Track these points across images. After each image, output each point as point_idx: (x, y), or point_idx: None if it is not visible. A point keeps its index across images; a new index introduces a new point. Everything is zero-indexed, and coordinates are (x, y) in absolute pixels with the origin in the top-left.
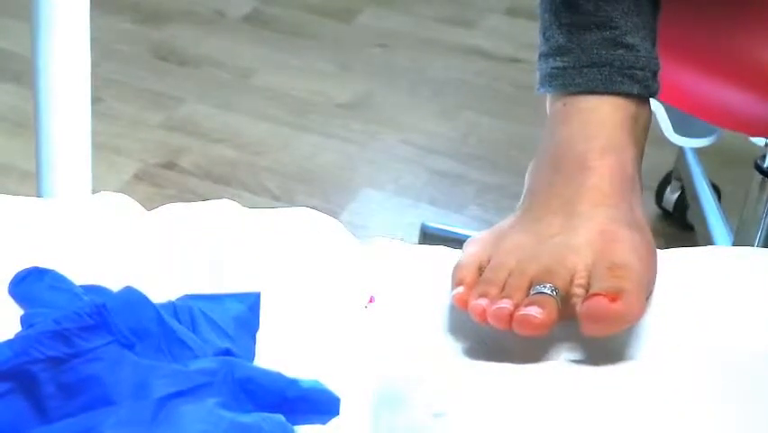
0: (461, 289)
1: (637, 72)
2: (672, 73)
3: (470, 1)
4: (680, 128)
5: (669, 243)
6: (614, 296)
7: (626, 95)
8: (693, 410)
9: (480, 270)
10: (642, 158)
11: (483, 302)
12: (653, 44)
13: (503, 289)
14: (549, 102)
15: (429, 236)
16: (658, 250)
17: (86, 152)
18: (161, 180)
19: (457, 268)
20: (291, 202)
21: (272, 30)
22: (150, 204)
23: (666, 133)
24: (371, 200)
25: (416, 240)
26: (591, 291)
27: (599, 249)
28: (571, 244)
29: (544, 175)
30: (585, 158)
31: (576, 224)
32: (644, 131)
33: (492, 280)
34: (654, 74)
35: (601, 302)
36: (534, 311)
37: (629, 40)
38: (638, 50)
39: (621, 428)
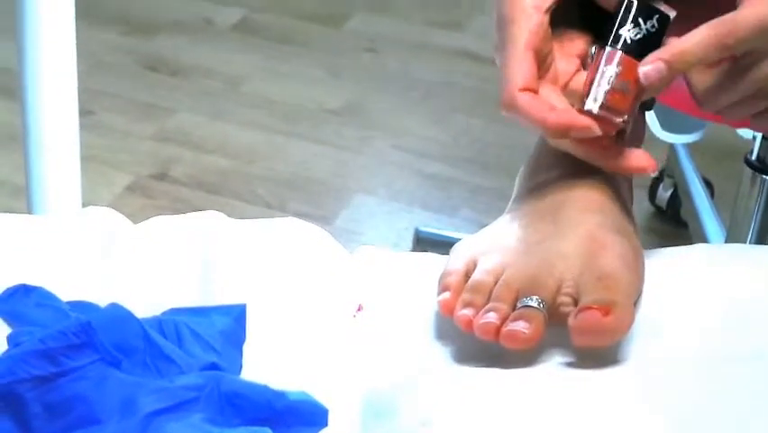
0: (447, 294)
1: None
2: None
3: (458, 3)
4: (667, 125)
5: (663, 240)
6: (606, 309)
7: None
8: (687, 409)
9: (467, 275)
10: None
11: (469, 312)
12: None
13: (489, 297)
14: None
15: (423, 241)
16: (647, 250)
17: (76, 165)
18: (154, 192)
19: (444, 273)
20: (284, 210)
21: (261, 37)
22: (142, 215)
23: (653, 130)
24: (364, 206)
25: (410, 245)
26: (583, 304)
27: (587, 257)
28: (558, 251)
29: (534, 180)
30: (576, 164)
31: (564, 229)
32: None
33: (478, 288)
34: None
35: (594, 316)
36: (521, 326)
37: None
38: None
39: (614, 431)
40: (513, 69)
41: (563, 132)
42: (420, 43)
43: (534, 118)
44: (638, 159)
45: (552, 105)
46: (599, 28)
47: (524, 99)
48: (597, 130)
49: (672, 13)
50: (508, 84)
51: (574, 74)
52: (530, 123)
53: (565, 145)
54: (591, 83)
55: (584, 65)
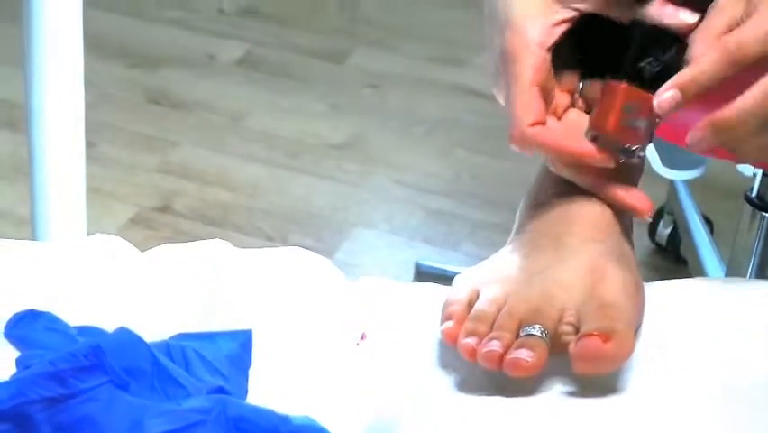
0: (450, 323)
1: None
2: None
3: (460, 39)
4: (668, 161)
5: (663, 277)
6: (606, 336)
7: None
8: None
9: (470, 305)
10: None
11: (473, 341)
12: None
13: (492, 326)
14: None
15: (423, 275)
16: (649, 283)
17: (81, 197)
18: (156, 224)
19: (447, 303)
20: (285, 243)
21: (264, 72)
22: (145, 247)
23: (654, 167)
24: (365, 240)
25: (411, 278)
26: (584, 332)
27: (589, 286)
28: (559, 281)
29: (535, 209)
30: (576, 193)
31: (565, 258)
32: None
33: (481, 317)
34: None
35: (595, 343)
36: (524, 354)
37: None
38: None
39: None
40: (521, 105)
41: (578, 159)
42: (422, 79)
43: (550, 146)
44: (633, 198)
45: (565, 134)
46: (588, 63)
47: (535, 130)
48: (609, 161)
49: (695, 17)
50: (518, 120)
51: (567, 108)
52: (544, 151)
53: (568, 174)
54: (605, 114)
55: (573, 100)
